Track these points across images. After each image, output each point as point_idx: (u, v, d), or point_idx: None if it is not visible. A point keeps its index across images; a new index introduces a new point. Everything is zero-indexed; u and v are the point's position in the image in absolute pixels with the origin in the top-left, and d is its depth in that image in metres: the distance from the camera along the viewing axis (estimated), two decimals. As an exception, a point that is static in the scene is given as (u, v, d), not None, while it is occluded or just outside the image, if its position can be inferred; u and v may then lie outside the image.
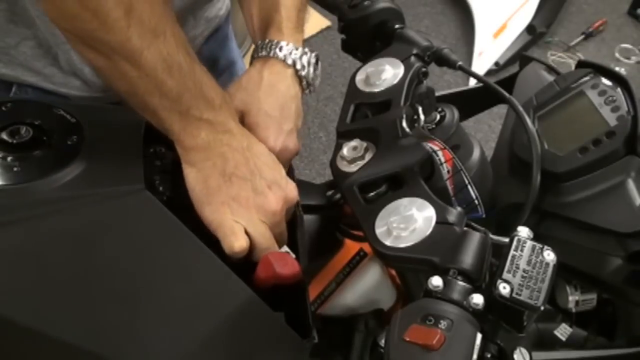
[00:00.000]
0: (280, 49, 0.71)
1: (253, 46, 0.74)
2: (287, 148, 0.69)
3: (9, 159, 0.57)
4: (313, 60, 0.73)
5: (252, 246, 0.61)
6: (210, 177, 0.61)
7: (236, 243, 0.59)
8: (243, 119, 0.69)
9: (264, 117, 0.69)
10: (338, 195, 0.77)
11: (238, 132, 0.63)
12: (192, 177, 0.61)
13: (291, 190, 0.64)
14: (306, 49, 0.72)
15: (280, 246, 0.64)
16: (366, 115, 0.70)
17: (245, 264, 0.63)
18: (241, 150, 0.62)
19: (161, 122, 0.61)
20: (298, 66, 0.71)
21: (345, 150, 0.65)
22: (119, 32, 0.55)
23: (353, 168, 0.64)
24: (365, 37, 0.79)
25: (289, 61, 0.71)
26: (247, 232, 0.61)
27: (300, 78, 0.72)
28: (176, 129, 0.61)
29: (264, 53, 0.71)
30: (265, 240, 0.61)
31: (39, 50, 0.76)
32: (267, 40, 0.72)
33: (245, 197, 0.61)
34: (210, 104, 0.61)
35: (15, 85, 0.80)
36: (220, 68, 1.00)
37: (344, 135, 0.68)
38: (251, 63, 0.73)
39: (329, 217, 0.79)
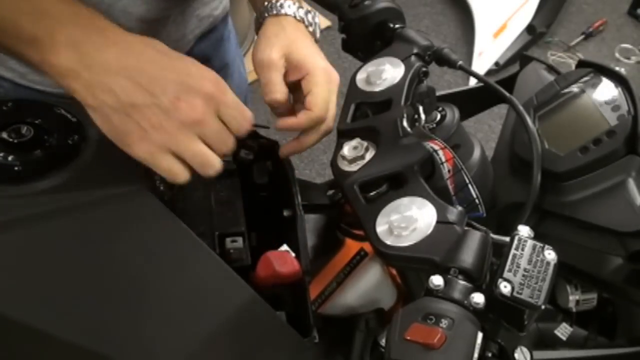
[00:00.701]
0: (289, 7, 0.72)
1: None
2: (332, 74, 0.69)
3: (9, 158, 0.57)
4: (317, 20, 0.74)
5: (198, 166, 0.56)
6: (110, 116, 0.54)
7: (178, 180, 0.56)
8: (288, 58, 0.69)
9: (307, 49, 0.69)
10: (339, 195, 0.77)
11: (113, 48, 0.55)
12: (96, 120, 0.55)
13: (207, 83, 0.56)
14: (309, 8, 0.74)
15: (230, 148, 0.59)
16: (367, 114, 0.70)
17: (245, 264, 0.63)
18: (124, 71, 0.54)
19: (25, 59, 0.54)
20: (306, 22, 0.72)
21: (345, 150, 0.65)
22: None
23: (354, 167, 0.64)
24: (365, 36, 0.79)
25: (298, 18, 0.72)
26: (183, 157, 0.56)
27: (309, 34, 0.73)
28: (37, 59, 0.54)
29: (274, 12, 0.72)
30: (204, 156, 0.56)
31: None
32: (275, 1, 0.72)
33: (157, 122, 0.54)
34: (57, 19, 0.54)
35: None
36: (212, 68, 1.00)
37: (344, 135, 0.68)
38: (261, 25, 0.73)
39: (330, 217, 0.79)
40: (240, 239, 0.65)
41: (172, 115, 0.54)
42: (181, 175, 0.56)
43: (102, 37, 0.55)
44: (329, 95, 0.69)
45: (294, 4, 0.72)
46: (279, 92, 0.68)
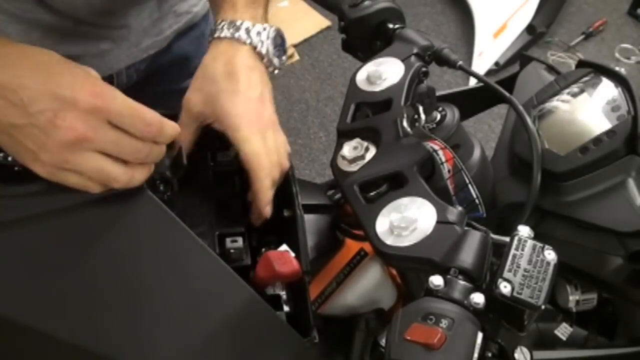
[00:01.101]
0: (237, 29, 0.67)
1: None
2: (261, 115, 0.65)
3: (9, 158, 0.57)
4: (272, 34, 0.69)
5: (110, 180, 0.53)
6: None
7: (94, 192, 0.53)
8: (210, 105, 0.66)
9: (228, 97, 0.65)
10: (339, 195, 0.77)
11: None
12: None
13: (86, 96, 0.50)
14: (265, 25, 0.69)
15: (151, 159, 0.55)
16: (367, 114, 0.70)
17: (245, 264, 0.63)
18: None
19: None
20: (255, 42, 0.68)
21: (345, 150, 0.65)
22: None
23: (354, 167, 0.64)
24: (365, 36, 0.79)
25: (245, 39, 0.67)
26: (81, 174, 0.52)
27: (259, 55, 0.68)
28: None
29: (216, 34, 0.68)
30: (102, 171, 0.52)
31: None
32: (220, 21, 0.69)
33: (41, 143, 0.50)
34: None
35: None
36: (193, 67, 0.99)
37: (344, 135, 0.68)
38: (209, 46, 0.70)
39: (330, 217, 0.79)
40: (240, 239, 0.65)
41: (53, 135, 0.49)
42: (93, 188, 0.53)
43: None
44: (262, 142, 0.65)
45: (242, 22, 0.67)
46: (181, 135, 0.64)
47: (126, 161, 0.53)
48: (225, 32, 0.68)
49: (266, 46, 0.68)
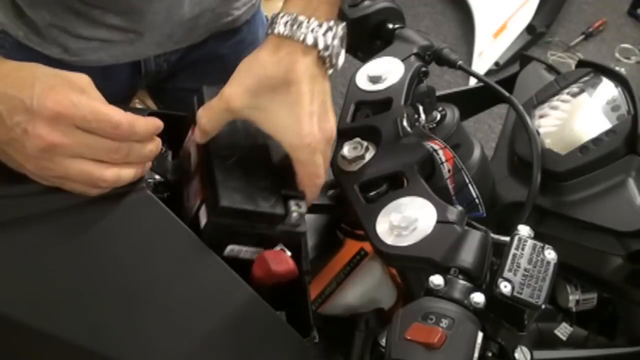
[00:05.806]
0: (299, 26, 0.59)
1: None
2: (324, 129, 0.60)
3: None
4: (340, 34, 0.61)
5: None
6: None
7: (93, 194, 0.54)
8: (260, 115, 0.61)
9: (280, 115, 0.59)
10: (339, 195, 0.77)
11: None
12: None
13: (49, 104, 0.50)
14: (331, 23, 0.60)
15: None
16: (367, 114, 0.70)
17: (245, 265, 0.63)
18: None
19: None
20: (320, 46, 0.59)
21: (345, 150, 0.66)
22: None
23: (354, 167, 0.64)
24: (365, 36, 0.79)
25: (310, 41, 0.59)
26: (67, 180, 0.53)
27: (322, 59, 0.61)
28: None
29: (280, 30, 0.60)
30: (83, 174, 0.52)
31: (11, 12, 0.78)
32: (282, 15, 0.60)
33: (24, 155, 0.52)
34: None
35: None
36: (229, 71, 0.96)
37: (344, 135, 0.68)
38: (267, 39, 0.62)
39: (330, 217, 0.79)
40: (303, 204, 0.61)
41: (27, 145, 0.51)
42: (89, 191, 0.54)
43: None
44: (319, 160, 0.60)
45: (309, 21, 0.59)
46: (205, 129, 0.60)
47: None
48: (290, 31, 0.59)
49: (331, 49, 0.60)
